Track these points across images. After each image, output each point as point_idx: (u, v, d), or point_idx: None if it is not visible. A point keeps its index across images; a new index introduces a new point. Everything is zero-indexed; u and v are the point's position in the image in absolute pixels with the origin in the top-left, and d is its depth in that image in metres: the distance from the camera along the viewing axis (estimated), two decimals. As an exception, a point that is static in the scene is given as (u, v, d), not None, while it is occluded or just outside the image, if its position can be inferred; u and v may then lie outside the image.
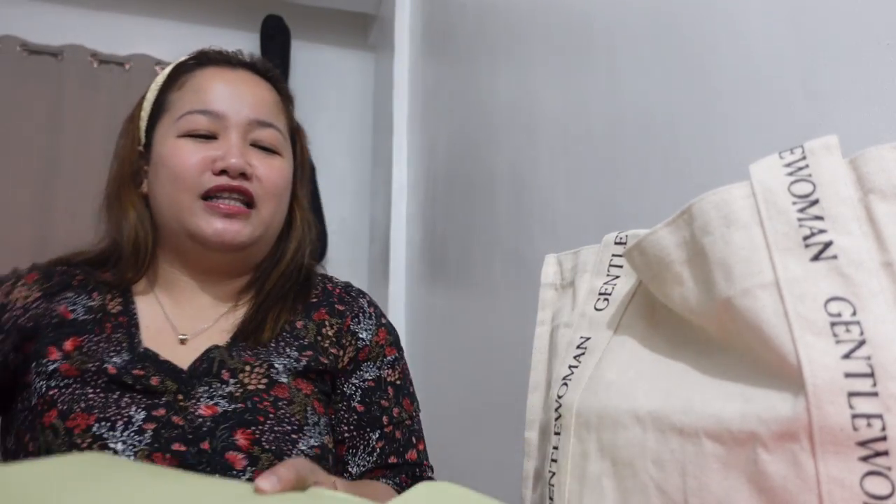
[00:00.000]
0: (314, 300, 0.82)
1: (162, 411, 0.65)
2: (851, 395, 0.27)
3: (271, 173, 0.76)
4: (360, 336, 0.80)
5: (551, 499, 0.39)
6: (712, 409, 0.32)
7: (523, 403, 0.58)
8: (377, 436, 0.77)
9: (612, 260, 0.46)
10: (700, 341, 0.36)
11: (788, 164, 0.33)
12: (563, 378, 0.42)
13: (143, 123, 0.82)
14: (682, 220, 0.36)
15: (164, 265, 0.78)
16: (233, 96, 0.76)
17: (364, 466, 0.76)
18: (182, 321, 0.76)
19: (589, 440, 0.37)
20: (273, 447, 0.67)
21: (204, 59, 0.80)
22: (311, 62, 2.60)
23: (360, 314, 0.82)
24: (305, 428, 0.70)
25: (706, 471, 0.31)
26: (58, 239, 2.19)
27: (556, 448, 0.39)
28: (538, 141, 1.20)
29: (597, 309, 0.44)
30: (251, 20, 2.57)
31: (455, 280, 1.56)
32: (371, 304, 0.85)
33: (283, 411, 0.69)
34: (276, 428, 0.67)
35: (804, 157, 0.32)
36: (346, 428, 0.77)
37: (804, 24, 0.66)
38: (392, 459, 0.77)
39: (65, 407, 0.63)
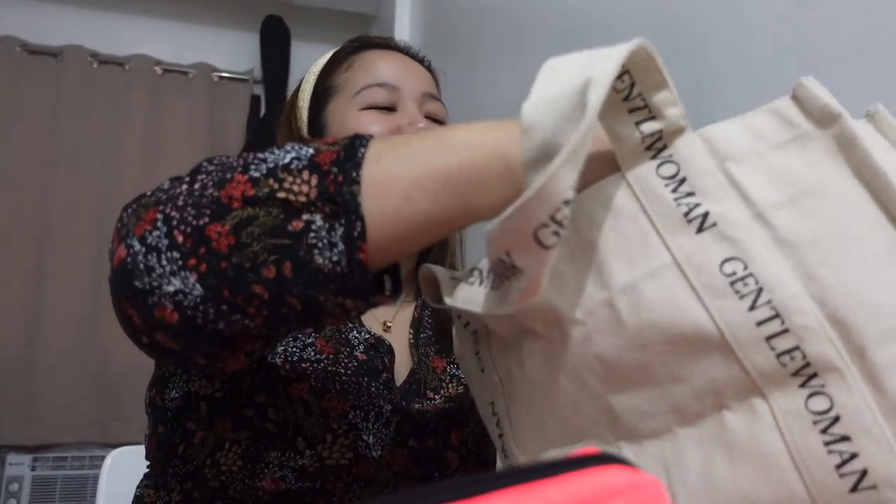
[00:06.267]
0: None
1: (403, 402, 0.65)
2: (768, 338, 0.31)
3: None
4: None
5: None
6: (668, 404, 0.34)
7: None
8: None
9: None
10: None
11: (649, 147, 0.36)
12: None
13: (305, 113, 0.80)
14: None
15: None
16: (403, 72, 0.76)
17: None
18: None
19: None
20: (476, 448, 0.68)
21: (366, 43, 0.81)
22: (311, 62, 2.59)
23: None
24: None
25: (686, 459, 0.34)
26: (58, 239, 2.20)
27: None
28: (538, 141, 1.19)
29: None
30: (251, 20, 2.58)
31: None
32: None
33: (478, 415, 0.70)
34: (476, 430, 0.69)
35: (661, 137, 0.36)
36: None
37: (804, 24, 0.66)
38: None
39: (318, 385, 0.61)
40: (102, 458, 1.04)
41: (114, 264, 0.41)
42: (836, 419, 0.29)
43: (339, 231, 0.38)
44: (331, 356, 0.64)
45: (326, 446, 0.59)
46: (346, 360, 0.64)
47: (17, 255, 2.16)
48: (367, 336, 0.68)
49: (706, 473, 0.32)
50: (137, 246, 0.40)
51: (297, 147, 0.41)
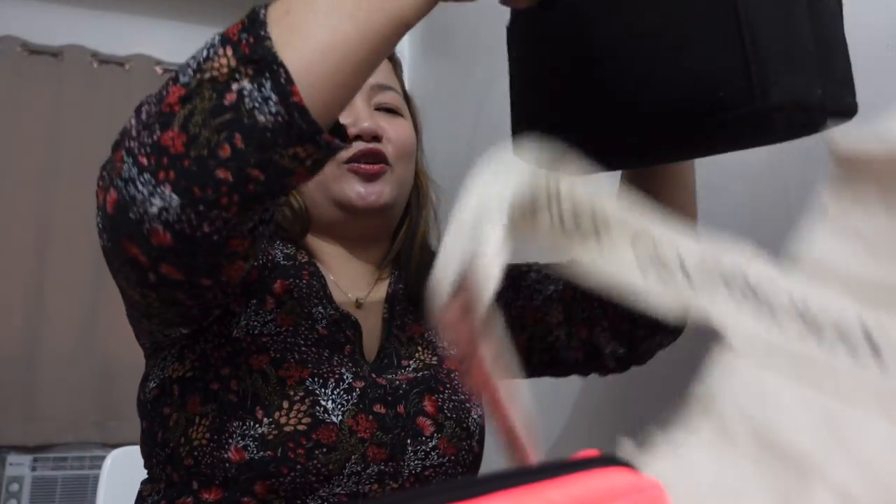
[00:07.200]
0: None
1: (367, 369, 0.68)
2: None
3: (400, 133, 0.76)
4: None
5: None
6: None
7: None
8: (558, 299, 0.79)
9: None
10: None
11: None
12: None
13: None
14: None
15: (312, 237, 0.77)
16: None
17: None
18: (344, 284, 0.75)
19: None
20: (454, 415, 0.69)
21: None
22: (311, 62, 2.60)
23: None
24: (472, 398, 0.74)
25: None
26: (58, 238, 2.19)
27: None
28: (538, 141, 1.19)
29: None
30: (251, 20, 2.57)
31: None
32: None
33: (456, 382, 0.72)
34: (453, 397, 0.71)
35: None
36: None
37: None
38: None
39: (277, 356, 0.63)
40: (103, 458, 1.04)
41: (108, 211, 0.45)
42: None
43: (268, 85, 0.41)
44: (290, 328, 0.65)
45: (283, 413, 0.60)
46: (306, 332, 0.66)
47: (17, 256, 2.16)
48: (332, 312, 0.69)
49: None
50: (120, 183, 0.44)
51: (212, 38, 0.44)
